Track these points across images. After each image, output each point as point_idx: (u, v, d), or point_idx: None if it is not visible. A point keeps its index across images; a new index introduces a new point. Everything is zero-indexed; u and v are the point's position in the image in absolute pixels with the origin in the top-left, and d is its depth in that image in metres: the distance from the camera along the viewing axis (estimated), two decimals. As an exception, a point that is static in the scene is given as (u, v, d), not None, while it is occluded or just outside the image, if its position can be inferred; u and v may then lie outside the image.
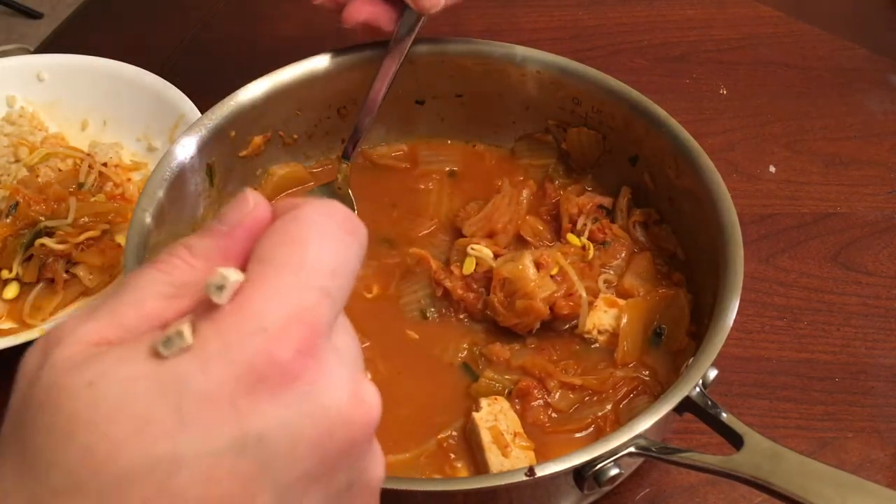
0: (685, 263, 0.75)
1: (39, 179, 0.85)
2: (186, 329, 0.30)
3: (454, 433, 0.65)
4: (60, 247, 0.78)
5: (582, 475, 0.54)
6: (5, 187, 0.84)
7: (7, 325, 0.78)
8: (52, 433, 0.29)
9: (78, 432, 0.28)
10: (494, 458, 0.62)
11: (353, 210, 0.81)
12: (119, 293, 0.33)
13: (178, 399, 0.29)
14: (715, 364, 0.58)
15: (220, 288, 0.31)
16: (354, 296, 0.36)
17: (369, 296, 0.75)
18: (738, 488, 0.66)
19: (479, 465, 0.63)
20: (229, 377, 0.29)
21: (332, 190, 0.81)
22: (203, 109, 0.77)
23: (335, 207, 0.35)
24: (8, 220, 0.81)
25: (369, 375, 0.69)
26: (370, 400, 0.33)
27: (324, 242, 0.34)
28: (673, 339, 0.70)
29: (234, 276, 0.32)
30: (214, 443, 0.29)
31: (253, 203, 0.35)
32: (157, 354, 0.30)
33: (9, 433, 0.30)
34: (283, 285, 0.32)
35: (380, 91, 0.76)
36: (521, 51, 0.81)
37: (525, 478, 0.52)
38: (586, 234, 0.76)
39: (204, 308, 0.31)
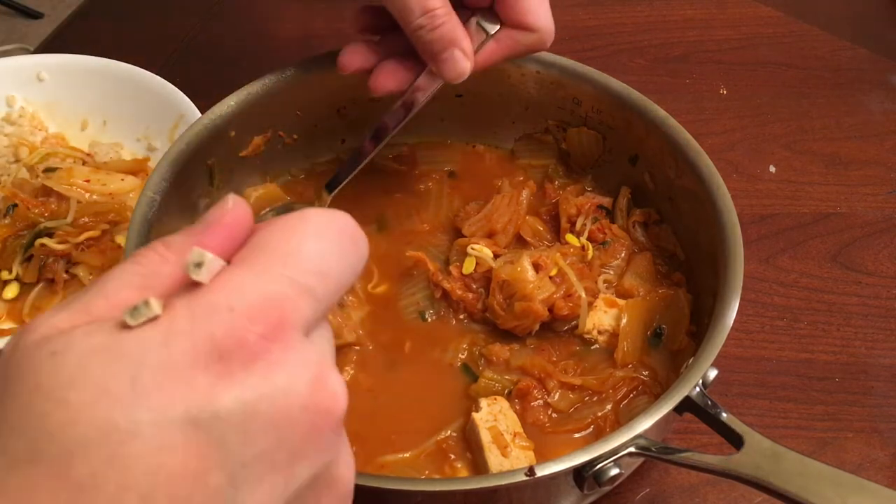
0: (685, 263, 0.75)
1: (39, 180, 0.85)
2: (154, 301, 0.30)
3: (454, 433, 0.65)
4: (61, 247, 0.78)
5: (582, 475, 0.54)
6: (5, 188, 0.85)
7: (7, 325, 0.78)
8: (15, 402, 0.29)
9: (37, 401, 0.29)
10: (494, 458, 0.61)
11: None
12: (91, 287, 0.33)
13: (136, 368, 0.29)
14: (715, 364, 0.58)
15: (199, 265, 0.32)
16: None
17: (374, 291, 0.75)
18: (738, 488, 0.66)
19: (478, 465, 0.63)
20: (189, 350, 0.30)
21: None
22: (203, 109, 0.77)
23: (341, 215, 0.36)
24: (6, 221, 0.81)
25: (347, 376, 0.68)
26: (334, 388, 0.33)
27: (321, 242, 0.34)
28: (673, 339, 0.70)
29: (212, 257, 0.32)
30: (168, 415, 0.29)
31: (232, 203, 0.35)
32: (124, 325, 0.30)
33: None
34: (266, 271, 0.32)
35: (370, 151, 0.72)
36: (521, 51, 0.81)
37: (525, 478, 0.51)
38: (586, 234, 0.76)
39: (183, 289, 0.32)
